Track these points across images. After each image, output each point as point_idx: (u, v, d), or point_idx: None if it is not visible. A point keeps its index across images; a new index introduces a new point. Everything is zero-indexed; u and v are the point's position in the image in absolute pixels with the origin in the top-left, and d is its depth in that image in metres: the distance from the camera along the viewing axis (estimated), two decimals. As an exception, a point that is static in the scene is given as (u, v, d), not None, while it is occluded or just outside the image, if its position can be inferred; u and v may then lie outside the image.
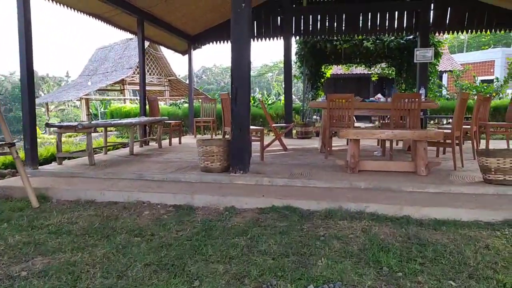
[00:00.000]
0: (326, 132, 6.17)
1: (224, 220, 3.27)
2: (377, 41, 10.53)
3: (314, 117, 16.88)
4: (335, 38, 10.36)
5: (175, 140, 8.34)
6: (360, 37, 10.28)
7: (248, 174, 4.60)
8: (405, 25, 9.41)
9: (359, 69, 18.22)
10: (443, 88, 13.29)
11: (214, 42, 10.40)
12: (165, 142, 8.01)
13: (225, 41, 10.26)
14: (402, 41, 10.35)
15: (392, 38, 10.50)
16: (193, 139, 8.83)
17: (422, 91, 6.68)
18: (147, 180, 4.58)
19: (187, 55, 10.69)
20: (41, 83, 37.12)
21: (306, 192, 3.97)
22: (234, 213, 3.49)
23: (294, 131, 9.93)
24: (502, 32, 9.00)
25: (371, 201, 3.54)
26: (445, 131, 4.96)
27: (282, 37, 9.81)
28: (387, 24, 9.46)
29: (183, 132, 9.35)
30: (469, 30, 9.07)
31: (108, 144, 6.84)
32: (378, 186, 4.08)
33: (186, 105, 12.89)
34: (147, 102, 8.00)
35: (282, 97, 27.03)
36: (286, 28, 9.70)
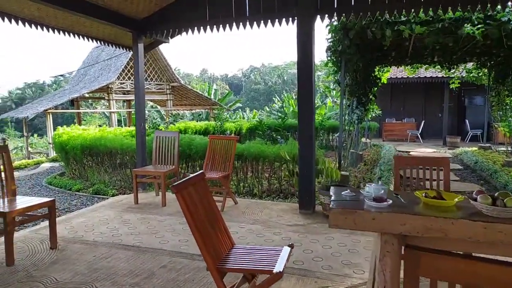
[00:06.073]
0: None
1: None
2: (487, 23, 5.39)
3: (365, 140, 11.68)
4: (401, 17, 5.40)
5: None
6: (450, 14, 5.23)
7: None
8: None
9: (430, 71, 12.84)
10: None
11: (189, 29, 5.80)
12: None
13: (204, 28, 5.68)
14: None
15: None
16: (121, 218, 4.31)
17: None
18: None
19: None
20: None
21: None
22: None
23: (323, 203, 5.10)
24: None
25: None
26: None
27: (296, 18, 5.03)
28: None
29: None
30: None
31: None
32: None
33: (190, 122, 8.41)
34: None
35: (328, 100, 21.99)
36: (302, 0, 4.89)
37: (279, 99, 30.04)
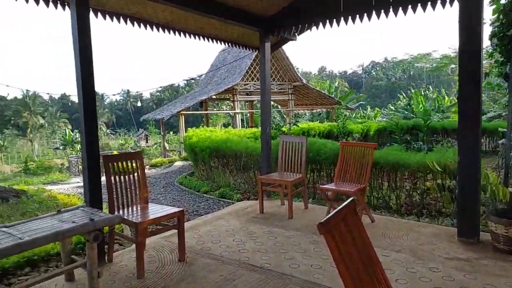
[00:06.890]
0: None
1: None
2: None
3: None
4: None
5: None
6: None
7: None
8: None
9: None
10: None
11: (319, 23, 5.27)
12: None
13: (337, 21, 5.07)
14: None
15: None
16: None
17: None
18: None
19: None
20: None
21: None
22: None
23: (495, 232, 4.03)
24: None
25: None
26: None
27: (456, -3, 4.05)
28: None
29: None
30: None
31: None
32: None
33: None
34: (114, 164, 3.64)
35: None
36: (470, -29, 3.87)
37: (404, 96, 27.47)
